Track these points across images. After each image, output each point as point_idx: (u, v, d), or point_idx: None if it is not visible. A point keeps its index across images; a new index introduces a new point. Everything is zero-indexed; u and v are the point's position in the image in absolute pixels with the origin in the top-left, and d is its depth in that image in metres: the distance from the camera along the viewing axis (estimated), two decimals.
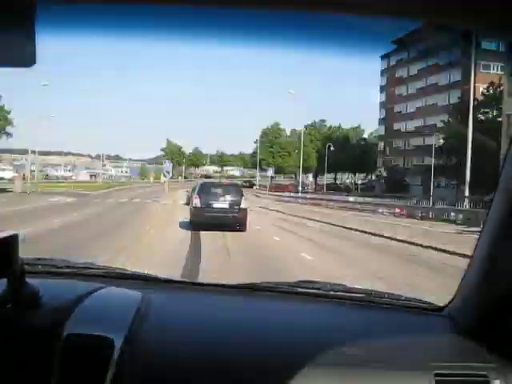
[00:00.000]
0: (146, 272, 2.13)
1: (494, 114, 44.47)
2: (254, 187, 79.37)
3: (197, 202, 17.69)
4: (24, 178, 51.67)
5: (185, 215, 19.99)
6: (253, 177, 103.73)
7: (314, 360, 1.40)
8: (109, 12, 1.03)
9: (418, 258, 13.94)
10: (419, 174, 56.31)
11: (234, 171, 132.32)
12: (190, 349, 1.46)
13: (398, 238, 17.77)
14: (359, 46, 1.21)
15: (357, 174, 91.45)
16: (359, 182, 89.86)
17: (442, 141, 48.95)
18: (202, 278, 8.25)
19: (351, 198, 50.62)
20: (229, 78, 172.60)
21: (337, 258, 13.37)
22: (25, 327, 1.41)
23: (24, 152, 62.66)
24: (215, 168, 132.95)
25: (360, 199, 47.97)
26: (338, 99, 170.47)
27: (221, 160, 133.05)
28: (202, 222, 17.09)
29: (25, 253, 1.47)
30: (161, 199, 37.03)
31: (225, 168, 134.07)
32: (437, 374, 1.36)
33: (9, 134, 51.21)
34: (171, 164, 49.68)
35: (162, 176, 66.22)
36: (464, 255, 11.19)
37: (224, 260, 11.98)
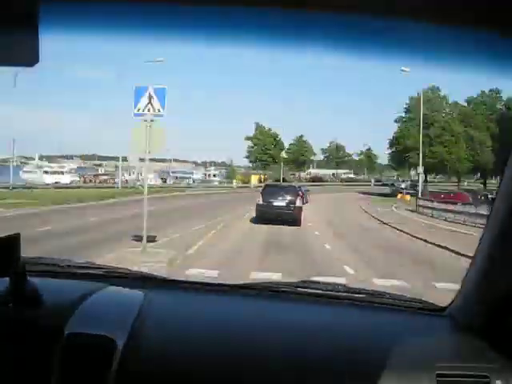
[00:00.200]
0: (146, 271, 2.13)
1: None
2: (400, 195, 45.76)
3: (260, 200, 21.28)
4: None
5: None
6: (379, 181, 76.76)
7: (315, 360, 1.40)
8: (113, 10, 1.02)
9: None
10: None
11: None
12: (191, 348, 1.46)
13: None
14: None
15: None
16: None
17: None
18: None
19: None
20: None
21: None
22: (26, 326, 1.41)
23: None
24: (329, 171, 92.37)
25: None
26: None
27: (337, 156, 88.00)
28: (263, 216, 20.50)
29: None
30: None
31: (338, 171, 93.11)
32: (438, 375, 1.36)
33: None
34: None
35: (253, 178, 57.11)
36: None
37: None
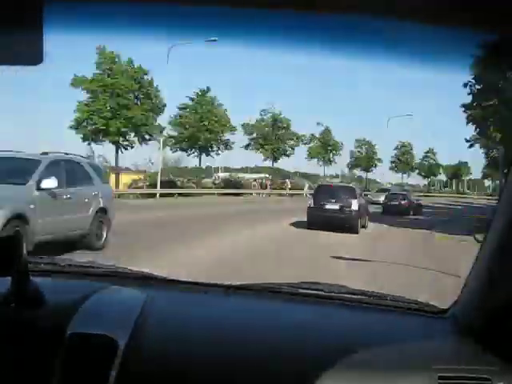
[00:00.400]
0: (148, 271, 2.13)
1: None
2: None
3: (311, 202, 19.35)
4: None
5: None
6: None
7: (315, 361, 1.40)
8: (118, 9, 1.01)
9: None
10: None
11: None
12: (193, 348, 1.46)
13: None
14: None
15: None
16: None
17: None
18: None
19: None
20: None
21: None
22: (28, 326, 1.41)
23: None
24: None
25: None
26: None
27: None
28: (314, 221, 18.33)
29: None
30: None
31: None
32: (440, 377, 1.35)
33: None
34: None
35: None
36: None
37: None
